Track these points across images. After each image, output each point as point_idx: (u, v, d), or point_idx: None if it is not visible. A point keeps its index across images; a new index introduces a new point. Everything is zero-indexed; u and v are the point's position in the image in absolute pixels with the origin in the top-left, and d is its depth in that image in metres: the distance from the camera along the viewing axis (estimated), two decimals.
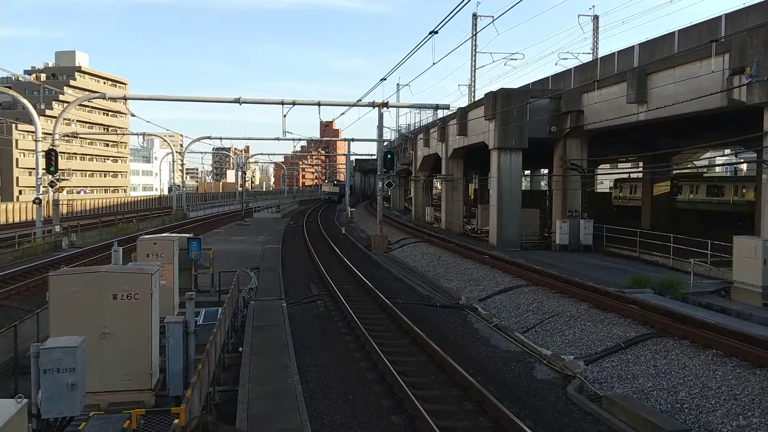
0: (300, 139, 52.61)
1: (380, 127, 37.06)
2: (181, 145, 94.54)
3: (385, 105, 33.60)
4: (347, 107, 34.64)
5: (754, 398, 9.34)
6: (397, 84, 75.43)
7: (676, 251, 23.60)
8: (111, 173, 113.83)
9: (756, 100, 18.76)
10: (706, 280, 19.47)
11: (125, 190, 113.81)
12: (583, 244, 29.60)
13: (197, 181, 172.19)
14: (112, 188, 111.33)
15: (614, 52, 30.45)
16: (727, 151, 44.84)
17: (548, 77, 37.56)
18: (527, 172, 67.81)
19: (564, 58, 47.76)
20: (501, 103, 30.80)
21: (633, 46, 28.85)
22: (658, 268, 23.00)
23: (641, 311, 14.27)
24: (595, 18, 50.13)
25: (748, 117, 21.13)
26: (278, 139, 44.62)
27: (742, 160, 40.57)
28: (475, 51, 54.42)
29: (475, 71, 55.21)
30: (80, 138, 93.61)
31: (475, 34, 51.40)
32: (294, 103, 30.91)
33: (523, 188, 41.38)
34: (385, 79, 27.38)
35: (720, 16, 24.59)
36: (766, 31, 18.48)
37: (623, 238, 28.98)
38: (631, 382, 10.93)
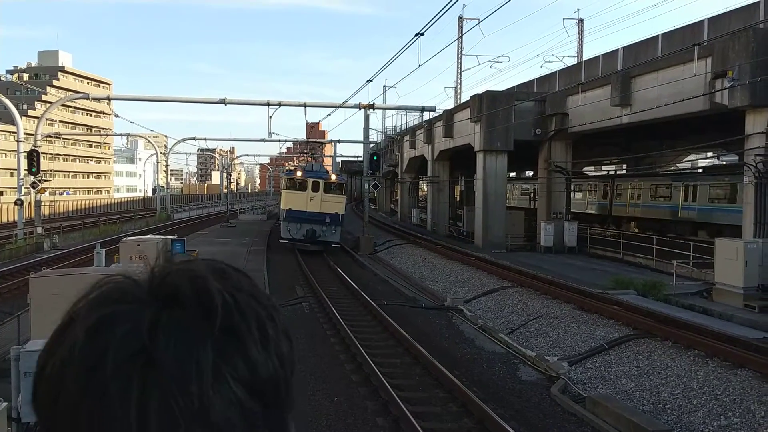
0: (286, 141, 52.46)
1: (366, 128, 37.04)
2: (166, 146, 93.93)
3: (371, 107, 33.63)
4: (333, 108, 34.63)
5: (735, 398, 9.45)
6: (384, 86, 75.03)
7: (658, 253, 23.82)
8: (94, 174, 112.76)
9: (738, 103, 19.01)
10: (688, 281, 19.67)
11: (108, 192, 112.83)
12: (567, 246, 29.78)
13: (182, 183, 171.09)
14: (95, 189, 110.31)
15: (599, 56, 30.73)
16: (710, 154, 45.36)
17: (533, 80, 37.81)
18: (513, 174, 68.11)
19: (549, 61, 48.12)
20: (487, 105, 30.94)
21: (617, 50, 29.12)
22: (641, 270, 23.20)
23: (624, 312, 14.39)
24: (580, 21, 50.43)
25: (730, 120, 21.40)
26: (264, 140, 44.55)
27: (724, 163, 41.07)
28: (461, 53, 54.57)
29: (461, 73, 55.35)
30: (63, 139, 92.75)
31: (461, 36, 51.54)
32: (280, 105, 30.85)
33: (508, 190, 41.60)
34: (371, 81, 27.41)
35: (703, 20, 24.91)
36: (747, 36, 18.75)
37: (607, 240, 29.19)
38: (614, 382, 11.02)
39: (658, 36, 26.78)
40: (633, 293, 17.65)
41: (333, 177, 30.33)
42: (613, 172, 45.61)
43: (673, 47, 23.81)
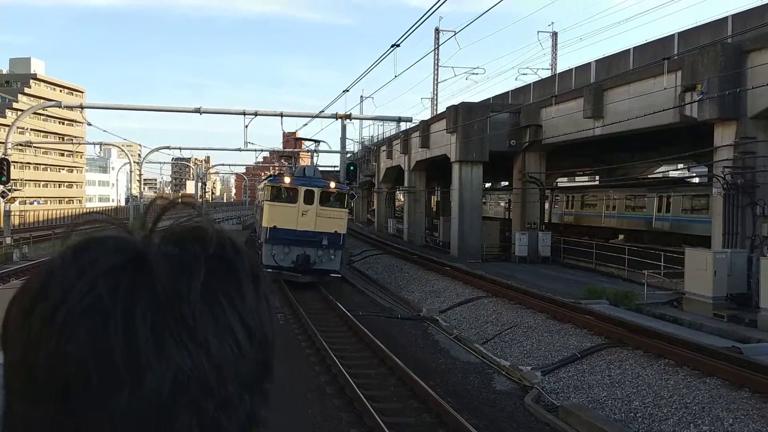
0: (262, 150, 52.12)
1: (343, 138, 36.97)
2: (140, 155, 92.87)
3: (348, 117, 33.62)
4: (310, 118, 34.58)
5: (704, 406, 9.60)
6: (361, 96, 75.27)
7: (630, 263, 24.16)
8: (66, 184, 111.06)
9: (707, 116, 19.41)
10: (659, 291, 19.97)
11: (80, 201, 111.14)
12: (541, 256, 30.04)
13: (156, 192, 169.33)
14: (66, 199, 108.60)
15: (572, 68, 31.21)
16: (680, 165, 46.20)
17: (508, 92, 38.26)
18: (488, 184, 68.72)
19: (524, 74, 48.67)
20: (462, 116, 31.17)
21: (590, 63, 29.62)
22: (613, 280, 23.50)
23: (596, 322, 14.55)
24: (554, 34, 51.26)
25: (700, 132, 21.86)
26: (240, 149, 44.17)
27: (694, 174, 41.89)
28: (437, 65, 55.03)
29: (437, 85, 55.87)
30: (34, 147, 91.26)
31: (437, 48, 51.98)
32: (256, 114, 30.67)
33: (484, 200, 42.14)
34: (347, 91, 27.51)
35: (673, 35, 25.47)
36: (716, 50, 19.18)
37: (580, 250, 29.54)
38: (587, 391, 11.12)
39: (629, 50, 27.29)
40: (605, 303, 17.85)
41: (332, 185, 23.15)
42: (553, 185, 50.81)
43: (645, 61, 24.26)
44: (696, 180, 39.13)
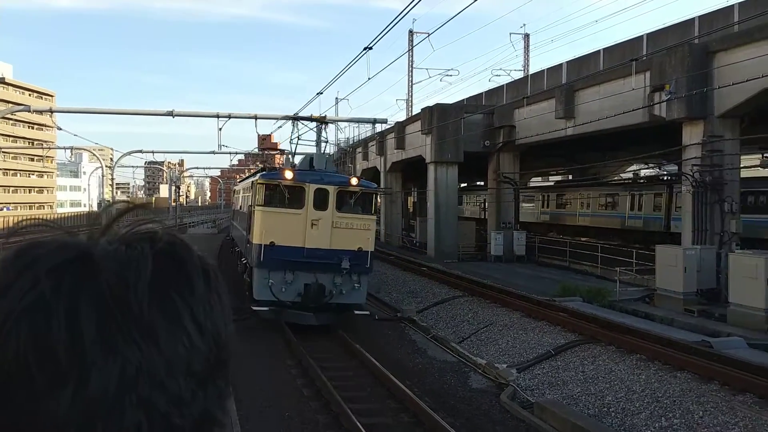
0: (237, 153, 51.63)
1: (318, 140, 36.85)
2: (112, 159, 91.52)
3: (323, 119, 33.50)
4: (285, 120, 34.42)
5: (675, 400, 9.79)
6: (336, 98, 75.15)
7: (603, 260, 24.52)
8: (36, 189, 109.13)
9: (675, 115, 19.79)
10: (631, 287, 20.27)
11: (51, 207, 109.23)
12: (516, 255, 30.31)
13: (129, 196, 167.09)
14: (37, 204, 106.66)
15: (544, 70, 31.56)
16: (651, 164, 46.97)
17: (482, 93, 38.56)
18: (464, 184, 69.12)
19: (497, 75, 49.11)
20: (437, 117, 31.33)
21: (561, 64, 29.98)
22: (587, 277, 23.82)
23: (570, 319, 14.74)
24: (526, 36, 51.58)
25: (669, 132, 22.25)
26: (214, 152, 43.96)
27: (665, 173, 42.57)
28: (411, 67, 55.11)
29: (412, 86, 55.88)
30: (3, 152, 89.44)
31: (411, 49, 52.06)
32: (230, 116, 30.42)
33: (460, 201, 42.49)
34: (321, 93, 27.48)
35: (642, 36, 25.92)
36: (683, 51, 19.56)
37: (554, 249, 29.88)
38: (561, 388, 11.27)
39: (599, 51, 27.69)
40: (579, 300, 18.08)
41: (353, 181, 16.38)
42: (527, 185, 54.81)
43: (614, 62, 24.63)
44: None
